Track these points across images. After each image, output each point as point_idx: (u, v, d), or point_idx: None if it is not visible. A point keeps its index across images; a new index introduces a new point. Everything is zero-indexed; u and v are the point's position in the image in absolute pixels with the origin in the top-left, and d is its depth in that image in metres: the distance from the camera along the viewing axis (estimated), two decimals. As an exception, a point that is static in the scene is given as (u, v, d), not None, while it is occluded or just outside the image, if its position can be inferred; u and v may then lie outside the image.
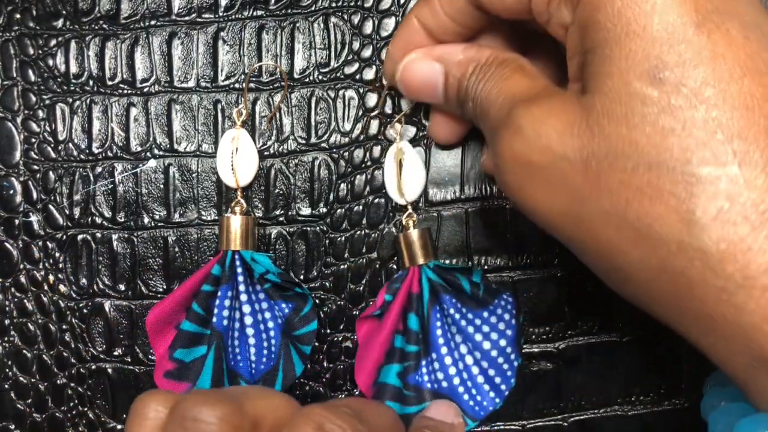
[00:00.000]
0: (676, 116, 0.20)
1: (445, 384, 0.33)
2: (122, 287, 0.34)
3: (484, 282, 0.33)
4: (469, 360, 0.33)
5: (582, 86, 0.23)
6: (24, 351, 0.34)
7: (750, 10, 0.21)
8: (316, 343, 0.34)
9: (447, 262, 0.34)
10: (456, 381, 0.33)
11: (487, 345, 0.33)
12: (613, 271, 0.23)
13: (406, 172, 0.33)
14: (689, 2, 0.21)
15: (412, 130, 0.34)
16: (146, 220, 0.34)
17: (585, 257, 0.23)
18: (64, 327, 0.34)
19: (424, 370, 0.33)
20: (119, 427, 0.34)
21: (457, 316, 0.33)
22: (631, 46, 0.21)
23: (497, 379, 0.33)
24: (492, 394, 0.33)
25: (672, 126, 0.20)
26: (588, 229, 0.22)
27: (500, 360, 0.33)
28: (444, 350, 0.33)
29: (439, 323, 0.33)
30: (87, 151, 0.34)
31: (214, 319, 0.32)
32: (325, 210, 0.34)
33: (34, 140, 0.34)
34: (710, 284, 0.20)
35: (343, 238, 0.34)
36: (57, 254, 0.34)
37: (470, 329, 0.33)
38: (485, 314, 0.33)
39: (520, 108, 0.24)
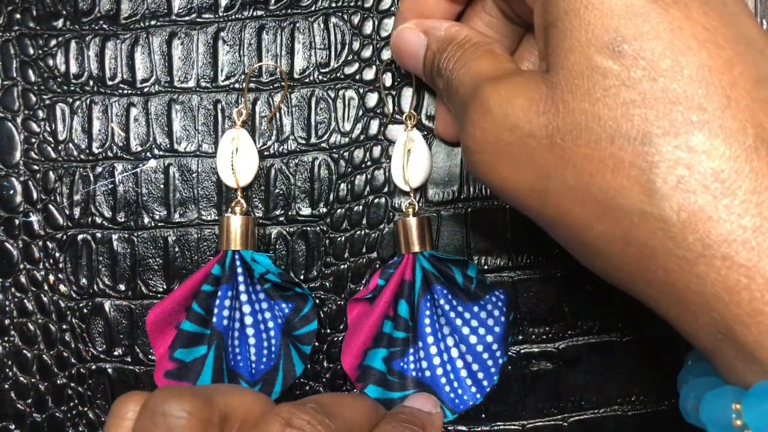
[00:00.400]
0: (635, 88, 0.20)
1: (428, 374, 0.33)
2: (122, 287, 0.34)
3: (478, 277, 0.33)
4: (454, 352, 0.33)
5: (546, 62, 0.23)
6: (24, 351, 0.34)
7: None
8: (316, 343, 0.34)
9: (442, 253, 0.34)
10: (439, 371, 0.33)
11: (473, 339, 0.33)
12: (580, 246, 0.23)
13: (413, 160, 0.33)
14: None
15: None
16: (146, 220, 0.34)
17: (553, 232, 0.24)
18: (64, 327, 0.34)
19: (410, 357, 0.33)
20: (119, 427, 0.34)
21: (447, 307, 0.33)
22: (590, 19, 0.21)
23: (480, 375, 0.33)
24: (473, 389, 0.33)
25: (632, 98, 0.20)
26: (554, 204, 0.22)
27: (485, 356, 0.33)
28: (430, 339, 0.33)
29: (428, 312, 0.33)
30: (87, 151, 0.34)
31: (214, 319, 0.32)
32: (325, 210, 0.34)
33: (34, 140, 0.34)
34: (673, 254, 0.20)
35: (343, 238, 0.34)
36: (57, 254, 0.34)
37: (458, 322, 0.33)
38: (475, 308, 0.33)
39: (487, 87, 0.24)
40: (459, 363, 0.33)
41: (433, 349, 0.33)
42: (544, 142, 0.22)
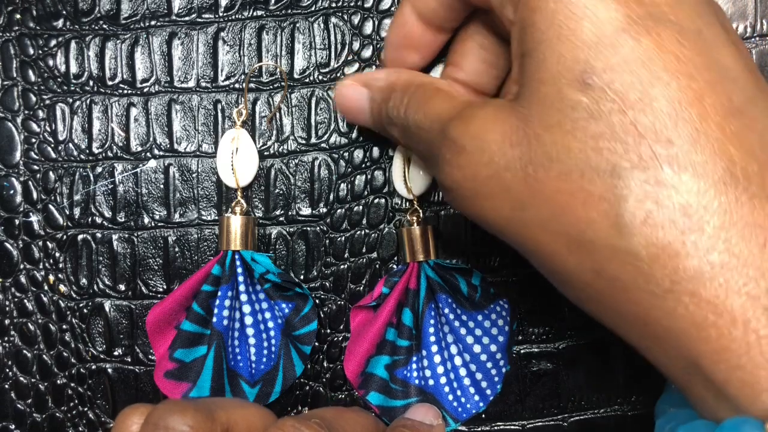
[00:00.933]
0: (604, 121, 0.20)
1: (431, 382, 0.33)
2: (122, 287, 0.34)
3: (482, 285, 0.33)
4: (457, 361, 0.33)
5: (518, 92, 0.23)
6: (24, 351, 0.34)
7: (690, 16, 0.21)
8: (316, 343, 0.34)
9: (447, 261, 0.34)
10: (443, 380, 0.33)
11: (477, 348, 0.33)
12: (554, 275, 0.23)
13: (414, 168, 0.33)
14: (620, 7, 0.21)
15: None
16: (146, 220, 0.34)
17: (530, 260, 0.24)
18: (64, 327, 0.34)
19: (413, 366, 0.33)
20: (119, 427, 0.34)
21: (452, 316, 0.33)
22: (561, 50, 0.21)
23: (483, 383, 0.33)
24: (477, 398, 0.33)
25: (601, 131, 0.20)
26: (529, 234, 0.22)
27: (489, 365, 0.33)
28: (434, 348, 0.33)
29: (432, 321, 0.33)
30: (87, 151, 0.34)
31: (214, 319, 0.32)
32: (325, 210, 0.34)
33: (34, 140, 0.34)
34: (642, 289, 0.20)
35: (343, 238, 0.34)
36: (57, 254, 0.34)
37: (462, 331, 0.33)
38: (479, 317, 0.33)
39: (456, 127, 0.24)
40: (462, 371, 0.33)
41: (437, 358, 0.33)
42: (519, 174, 0.22)
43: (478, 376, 0.33)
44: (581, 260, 0.21)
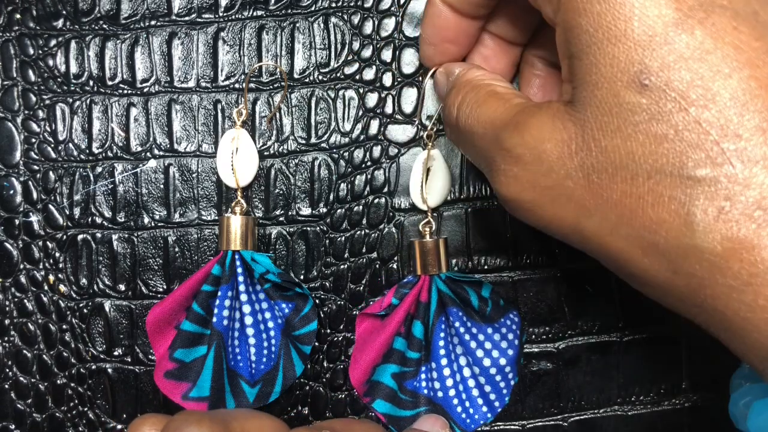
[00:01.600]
0: (667, 121, 0.20)
1: (440, 394, 0.33)
2: (122, 287, 0.34)
3: (492, 297, 0.33)
4: (467, 373, 0.33)
5: (572, 94, 0.23)
6: (24, 351, 0.34)
7: None
8: (316, 343, 0.34)
9: (458, 274, 0.34)
10: (452, 392, 0.33)
11: (487, 362, 0.33)
12: (628, 276, 0.23)
13: (433, 179, 0.33)
14: (669, 2, 0.20)
15: (411, 131, 0.34)
16: (146, 220, 0.34)
17: (603, 263, 0.24)
18: (64, 327, 0.34)
19: (422, 376, 0.33)
20: (119, 427, 0.34)
21: (462, 330, 0.33)
22: (614, 52, 0.21)
23: (492, 396, 0.33)
24: (485, 409, 0.33)
25: (664, 132, 0.20)
26: (599, 241, 0.22)
27: (498, 378, 0.33)
28: (444, 361, 0.33)
29: (442, 334, 0.33)
30: (87, 151, 0.34)
31: (214, 319, 0.32)
32: (325, 210, 0.34)
33: (34, 140, 0.34)
34: (720, 283, 0.20)
35: (343, 238, 0.34)
36: (57, 254, 0.34)
37: (473, 344, 0.33)
38: (489, 331, 0.33)
39: (512, 136, 0.24)
40: (471, 383, 0.33)
41: (447, 371, 0.33)
42: (582, 182, 0.22)
43: (487, 388, 0.33)
44: (656, 261, 0.21)
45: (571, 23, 0.22)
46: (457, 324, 0.33)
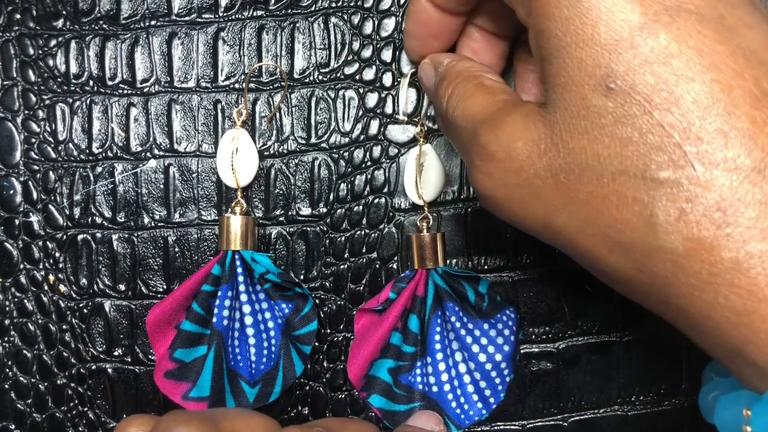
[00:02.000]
0: (631, 124, 0.20)
1: (435, 389, 0.33)
2: (122, 287, 0.34)
3: (489, 293, 0.33)
4: (462, 368, 0.33)
5: (544, 96, 0.23)
6: (24, 351, 0.34)
7: (711, 1, 0.21)
8: (316, 343, 0.34)
9: (448, 262, 0.34)
10: (447, 387, 0.33)
11: (482, 357, 0.33)
12: (597, 272, 0.23)
13: (426, 174, 0.33)
14: (635, 6, 0.20)
15: (411, 130, 0.34)
16: (146, 220, 0.34)
17: (574, 259, 0.24)
18: (64, 327, 0.34)
19: (418, 371, 0.33)
20: (119, 427, 0.34)
21: (458, 324, 0.33)
22: (581, 56, 0.21)
23: (487, 392, 0.33)
24: (479, 405, 0.33)
25: (629, 135, 0.20)
26: (567, 237, 0.23)
27: (493, 374, 0.33)
28: (439, 356, 0.33)
29: (438, 329, 0.33)
30: (87, 151, 0.34)
31: (214, 319, 0.32)
32: (325, 210, 0.34)
33: (34, 140, 0.34)
34: (682, 282, 0.20)
35: (343, 238, 0.34)
36: (57, 254, 0.34)
37: (468, 339, 0.33)
38: (485, 326, 0.33)
39: (485, 131, 0.24)
40: (467, 379, 0.33)
41: (442, 366, 0.33)
42: (550, 182, 0.22)
43: (482, 384, 0.33)
44: (622, 259, 0.21)
45: (541, 27, 0.22)
46: (453, 319, 0.33)
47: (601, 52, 0.21)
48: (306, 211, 0.34)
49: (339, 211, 0.34)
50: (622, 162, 0.20)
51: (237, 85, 0.34)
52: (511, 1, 0.24)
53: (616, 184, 0.21)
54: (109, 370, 0.34)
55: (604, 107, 0.21)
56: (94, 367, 0.34)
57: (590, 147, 0.21)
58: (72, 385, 0.34)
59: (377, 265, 0.34)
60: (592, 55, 0.21)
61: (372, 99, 0.34)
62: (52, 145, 0.34)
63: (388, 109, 0.34)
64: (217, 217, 0.34)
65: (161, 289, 0.34)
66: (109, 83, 0.34)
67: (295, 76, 0.34)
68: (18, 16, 0.34)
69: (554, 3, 0.21)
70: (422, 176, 0.33)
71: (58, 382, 0.34)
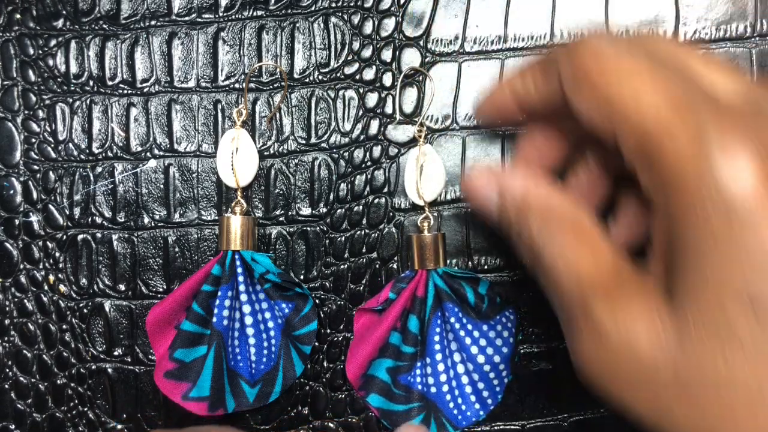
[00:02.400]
0: None
1: (433, 389, 0.33)
2: (122, 287, 0.34)
3: (489, 294, 0.33)
4: (460, 369, 0.33)
5: (668, 281, 0.21)
6: (24, 351, 0.34)
7: None
8: (316, 343, 0.34)
9: (448, 261, 0.34)
10: (445, 388, 0.33)
11: (481, 359, 0.33)
12: None
13: (427, 174, 0.33)
14: None
15: (411, 130, 0.34)
16: (146, 220, 0.34)
17: None
18: (64, 327, 0.34)
19: (417, 372, 0.33)
20: (119, 426, 0.34)
21: (457, 325, 0.33)
22: (725, 263, 0.19)
23: (485, 393, 0.33)
24: (477, 406, 0.33)
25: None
26: (672, 429, 0.21)
27: (491, 375, 0.33)
28: (438, 356, 0.33)
29: (438, 329, 0.33)
30: (87, 151, 0.34)
31: (214, 319, 0.32)
32: (325, 210, 0.34)
33: (34, 140, 0.34)
34: None
35: (343, 238, 0.34)
36: (57, 254, 0.34)
37: (467, 340, 0.33)
38: (485, 328, 0.33)
39: (603, 310, 0.22)
40: (464, 379, 0.33)
41: (441, 366, 0.33)
42: (669, 377, 0.20)
43: (480, 385, 0.33)
44: None
45: (677, 217, 0.20)
46: (452, 320, 0.33)
47: (749, 266, 0.19)
48: (306, 211, 0.34)
49: (339, 211, 0.34)
50: (763, 383, 0.19)
51: (237, 85, 0.34)
52: (639, 167, 0.22)
53: (753, 409, 0.19)
54: (109, 370, 0.34)
55: (746, 325, 0.19)
56: (94, 367, 0.34)
57: (726, 369, 0.19)
58: (72, 385, 0.34)
59: (377, 265, 0.34)
60: (739, 267, 0.19)
61: (372, 99, 0.34)
62: (52, 145, 0.34)
63: (388, 109, 0.34)
64: (217, 217, 0.34)
65: (161, 289, 0.34)
66: (109, 83, 0.34)
67: (295, 76, 0.34)
68: (18, 16, 0.34)
69: (699, 202, 0.20)
70: (422, 176, 0.33)
71: (58, 382, 0.34)
